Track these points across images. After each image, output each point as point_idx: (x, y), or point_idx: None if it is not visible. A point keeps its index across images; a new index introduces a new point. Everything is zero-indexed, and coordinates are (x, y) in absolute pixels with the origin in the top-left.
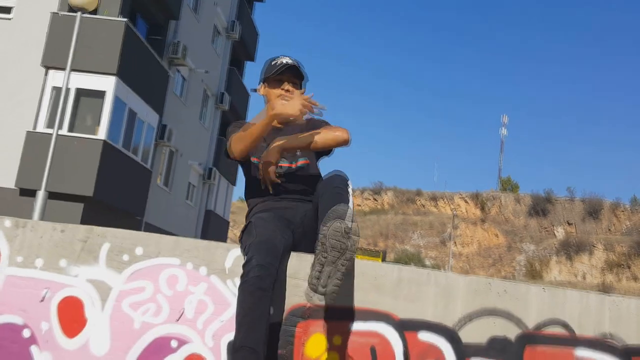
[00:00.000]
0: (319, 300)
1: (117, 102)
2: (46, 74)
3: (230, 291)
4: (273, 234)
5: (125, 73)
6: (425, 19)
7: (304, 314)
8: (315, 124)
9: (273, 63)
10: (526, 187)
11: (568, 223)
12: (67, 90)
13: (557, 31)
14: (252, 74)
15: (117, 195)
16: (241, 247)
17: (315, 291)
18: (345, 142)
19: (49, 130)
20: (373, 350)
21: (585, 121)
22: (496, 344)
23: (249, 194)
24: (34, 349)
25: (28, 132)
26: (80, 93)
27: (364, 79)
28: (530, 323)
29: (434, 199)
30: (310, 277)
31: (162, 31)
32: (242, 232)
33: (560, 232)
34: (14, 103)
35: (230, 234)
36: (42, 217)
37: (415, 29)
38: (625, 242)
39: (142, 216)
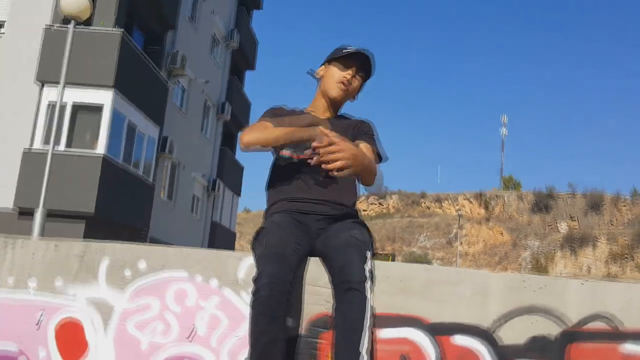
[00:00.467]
0: None
1: (116, 116)
2: (41, 89)
3: (244, 303)
4: (286, 242)
5: (122, 85)
6: (426, 20)
7: (327, 324)
8: (362, 130)
9: (343, 48)
10: (528, 184)
11: (571, 218)
12: (63, 105)
13: (557, 31)
14: (252, 82)
15: (119, 212)
16: (253, 254)
17: None
18: (368, 183)
19: (46, 147)
20: (404, 359)
21: (581, 115)
22: (536, 344)
23: (272, 186)
24: None
25: (25, 150)
26: (77, 108)
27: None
28: (572, 319)
29: (438, 200)
30: None
31: (160, 42)
32: (254, 238)
33: (563, 227)
34: (10, 121)
35: (237, 246)
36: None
37: (415, 31)
38: (627, 233)
39: (147, 231)
